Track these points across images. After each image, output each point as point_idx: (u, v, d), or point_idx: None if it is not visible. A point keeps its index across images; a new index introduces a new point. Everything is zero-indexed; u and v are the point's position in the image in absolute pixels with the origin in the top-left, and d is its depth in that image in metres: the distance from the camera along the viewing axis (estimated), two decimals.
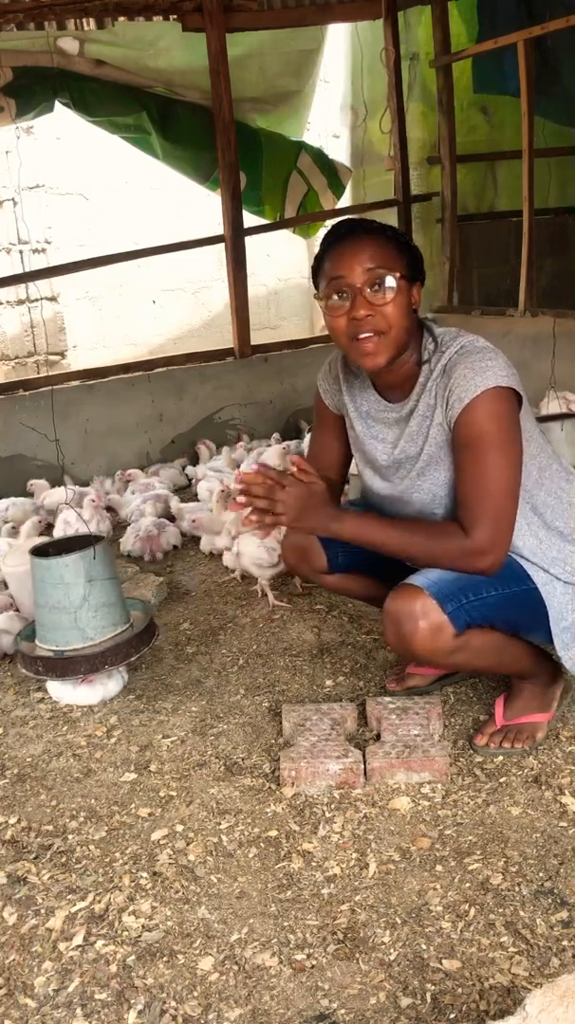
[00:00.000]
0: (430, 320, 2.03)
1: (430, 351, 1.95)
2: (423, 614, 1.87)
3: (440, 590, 1.89)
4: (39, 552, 2.53)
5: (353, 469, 2.30)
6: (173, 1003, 1.51)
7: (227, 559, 3.25)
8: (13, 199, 6.78)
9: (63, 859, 1.88)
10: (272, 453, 4.16)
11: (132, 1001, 1.52)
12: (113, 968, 1.59)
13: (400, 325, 1.89)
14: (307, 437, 4.37)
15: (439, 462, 1.97)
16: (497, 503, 1.86)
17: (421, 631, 1.88)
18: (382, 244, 1.88)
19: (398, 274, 1.85)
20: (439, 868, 1.77)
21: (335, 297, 1.89)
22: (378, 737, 2.16)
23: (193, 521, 3.44)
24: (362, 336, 1.88)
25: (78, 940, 1.66)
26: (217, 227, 5.01)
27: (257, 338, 5.23)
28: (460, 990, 1.48)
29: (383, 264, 1.85)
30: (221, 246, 5.01)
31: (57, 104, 4.62)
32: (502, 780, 2.01)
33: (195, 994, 1.53)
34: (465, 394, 1.84)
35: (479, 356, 1.87)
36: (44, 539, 3.10)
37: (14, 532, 3.69)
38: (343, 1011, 1.47)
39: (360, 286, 1.85)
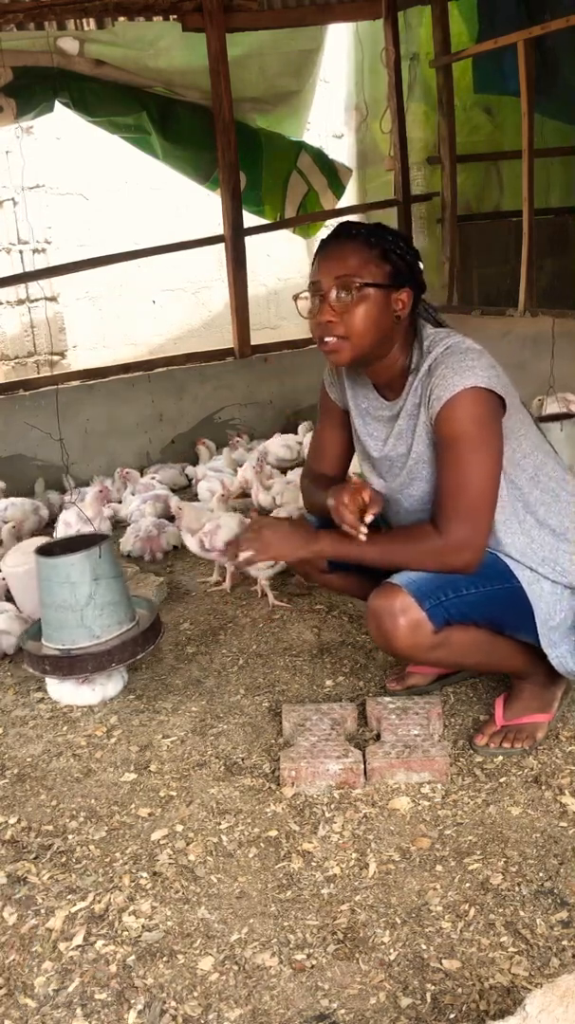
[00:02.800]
0: (427, 318, 2.03)
1: (420, 352, 1.97)
2: (402, 611, 1.90)
3: (419, 588, 1.91)
4: (44, 551, 2.53)
5: (356, 468, 2.31)
6: (173, 1003, 1.51)
7: (191, 544, 3.20)
8: (13, 199, 6.78)
9: (63, 859, 1.88)
10: (278, 442, 4.28)
11: (132, 1001, 1.52)
12: (113, 968, 1.59)
13: (364, 332, 1.92)
14: (307, 436, 4.37)
15: (428, 462, 1.99)
16: (473, 501, 1.87)
17: (400, 627, 1.91)
18: (359, 251, 1.90)
19: (367, 282, 1.88)
20: (439, 868, 1.77)
21: (309, 300, 1.96)
22: (378, 737, 2.16)
23: (179, 508, 3.37)
24: (326, 340, 1.94)
25: (78, 940, 1.66)
26: (217, 227, 5.01)
27: (257, 338, 5.23)
28: (460, 990, 1.48)
29: (353, 272, 1.89)
30: (221, 246, 5.01)
31: (57, 104, 4.62)
32: (502, 780, 2.01)
33: (195, 994, 1.53)
34: (443, 393, 1.86)
35: (461, 357, 1.88)
36: (44, 539, 3.10)
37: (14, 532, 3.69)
38: (343, 1011, 1.47)
39: (326, 292, 1.90)
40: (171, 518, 3.76)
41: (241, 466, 4.12)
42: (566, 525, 2.02)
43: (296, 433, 4.57)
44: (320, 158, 5.37)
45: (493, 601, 1.97)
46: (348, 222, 2.01)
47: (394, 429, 2.05)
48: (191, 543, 3.17)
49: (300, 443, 4.36)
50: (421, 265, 1.97)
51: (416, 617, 1.90)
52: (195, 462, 4.61)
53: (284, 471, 4.22)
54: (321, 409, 2.30)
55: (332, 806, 1.97)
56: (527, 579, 1.98)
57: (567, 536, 2.02)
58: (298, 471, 3.97)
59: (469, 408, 1.85)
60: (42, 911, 1.75)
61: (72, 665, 2.42)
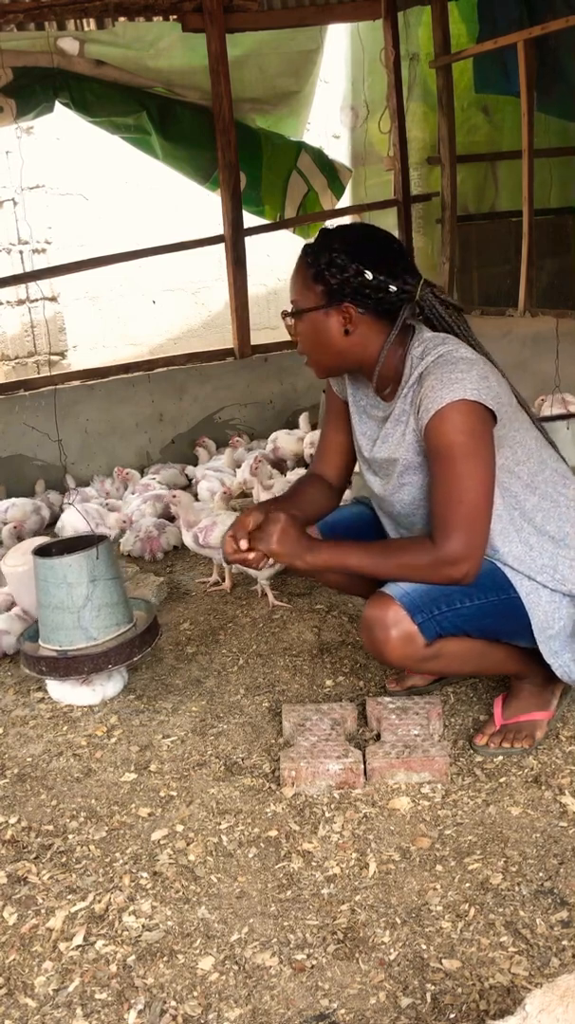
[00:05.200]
0: (433, 316, 2.00)
1: (414, 356, 1.97)
2: (394, 623, 1.90)
3: (412, 601, 1.90)
4: (42, 552, 2.53)
5: (357, 468, 2.31)
6: (173, 1003, 1.51)
7: (187, 539, 3.22)
8: (13, 199, 6.79)
9: (63, 859, 1.89)
10: (289, 438, 4.30)
11: (132, 1001, 1.52)
12: (113, 968, 1.59)
13: (313, 352, 2.04)
14: (307, 436, 4.37)
15: (417, 468, 1.99)
16: (467, 512, 1.86)
17: (392, 640, 1.91)
18: (298, 276, 2.01)
19: (300, 306, 1.99)
20: (439, 868, 1.77)
21: None
22: (378, 737, 2.16)
23: (173, 496, 3.34)
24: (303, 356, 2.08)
25: (78, 940, 1.66)
26: (217, 227, 5.01)
27: (257, 338, 5.22)
28: (460, 990, 1.48)
29: (294, 296, 2.02)
30: (221, 246, 5.01)
31: (57, 104, 4.62)
32: (502, 780, 2.01)
33: (195, 994, 1.53)
34: (432, 405, 1.86)
35: (452, 368, 1.87)
36: (45, 539, 3.10)
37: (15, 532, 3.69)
38: (343, 1011, 1.47)
39: (282, 316, 2.04)
40: (171, 518, 3.76)
41: (241, 466, 4.12)
42: (566, 531, 2.01)
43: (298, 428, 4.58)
44: (320, 158, 5.37)
45: (489, 614, 1.96)
46: (310, 242, 2.03)
47: (382, 431, 2.05)
48: (186, 537, 3.18)
49: (302, 439, 4.37)
50: (369, 275, 1.90)
51: (408, 630, 1.90)
52: (196, 462, 4.61)
53: (284, 467, 4.24)
54: (327, 406, 2.30)
55: (332, 806, 1.97)
56: (525, 589, 1.97)
57: (566, 542, 2.00)
58: (299, 471, 3.97)
59: (457, 420, 1.84)
60: (42, 911, 1.75)
61: (68, 666, 2.42)
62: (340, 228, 2.03)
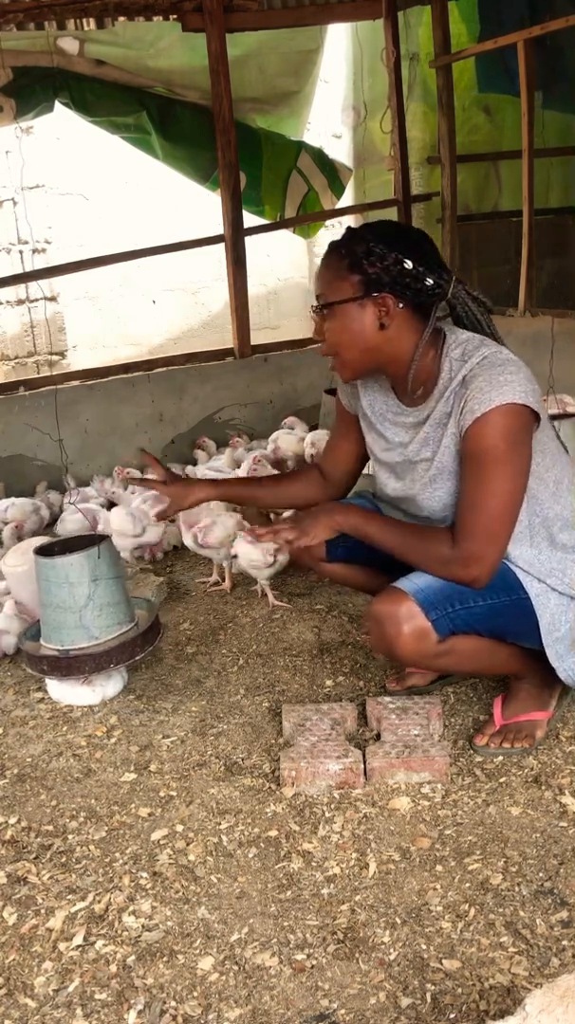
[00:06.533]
0: (466, 314, 1.98)
1: (452, 358, 1.93)
2: (407, 619, 1.89)
3: (426, 597, 1.90)
4: (44, 551, 2.54)
5: (367, 469, 2.31)
6: (173, 1003, 1.51)
7: (186, 539, 3.22)
8: (13, 199, 6.78)
9: (63, 859, 1.89)
10: (289, 438, 4.29)
11: (132, 1001, 1.52)
12: (113, 968, 1.59)
13: (343, 348, 1.95)
14: (307, 436, 4.37)
15: (451, 472, 1.95)
16: (490, 521, 1.85)
17: (403, 635, 1.90)
18: (329, 267, 1.92)
19: (332, 299, 1.90)
20: (439, 868, 1.77)
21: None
22: (378, 737, 2.16)
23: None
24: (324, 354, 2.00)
25: (78, 940, 1.66)
26: (217, 227, 5.01)
27: (257, 338, 5.22)
28: (460, 990, 1.48)
29: (322, 290, 1.93)
30: (221, 246, 5.01)
31: (57, 104, 4.62)
32: (502, 780, 2.01)
33: (195, 994, 1.53)
34: (478, 407, 1.82)
35: (500, 370, 1.84)
36: (45, 538, 3.10)
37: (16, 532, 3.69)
38: (343, 1011, 1.47)
39: (312, 311, 1.96)
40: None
41: (240, 466, 4.12)
42: None
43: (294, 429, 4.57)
44: (320, 158, 5.37)
45: (500, 614, 1.96)
46: (342, 235, 1.96)
47: (419, 434, 2.00)
48: (186, 537, 3.18)
49: (302, 439, 4.36)
50: (409, 264, 1.84)
51: (421, 626, 1.89)
52: (196, 463, 4.61)
53: (284, 467, 4.23)
54: (337, 413, 2.30)
55: (332, 806, 1.97)
56: (535, 591, 1.96)
57: None
58: None
59: (501, 424, 1.81)
60: (42, 911, 1.75)
61: (70, 666, 2.42)
62: (369, 223, 2.00)
